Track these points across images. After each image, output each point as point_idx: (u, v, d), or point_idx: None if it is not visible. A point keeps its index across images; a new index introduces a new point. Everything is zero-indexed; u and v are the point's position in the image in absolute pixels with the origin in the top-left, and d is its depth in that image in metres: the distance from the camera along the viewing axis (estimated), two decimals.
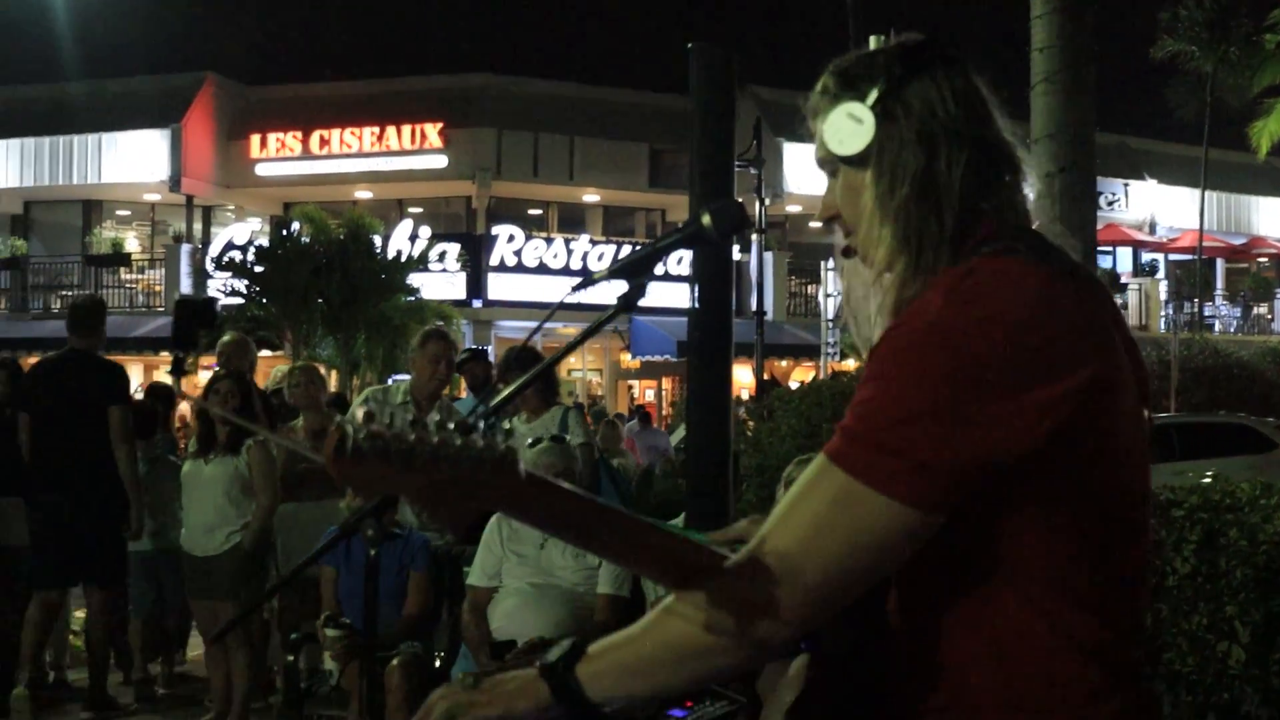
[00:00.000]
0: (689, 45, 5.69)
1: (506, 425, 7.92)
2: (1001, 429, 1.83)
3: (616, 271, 2.45)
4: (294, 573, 7.02)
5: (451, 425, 1.68)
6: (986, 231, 2.01)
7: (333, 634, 6.52)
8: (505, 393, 2.59)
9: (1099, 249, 38.35)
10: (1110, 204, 40.54)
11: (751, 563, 1.93)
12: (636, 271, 2.44)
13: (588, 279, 2.50)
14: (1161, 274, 43.35)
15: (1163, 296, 42.05)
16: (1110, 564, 1.96)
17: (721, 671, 2.04)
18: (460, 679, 2.29)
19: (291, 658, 7.19)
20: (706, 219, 2.39)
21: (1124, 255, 43.28)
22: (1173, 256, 43.81)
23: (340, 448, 1.61)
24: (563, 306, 2.42)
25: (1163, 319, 40.64)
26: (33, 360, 27.09)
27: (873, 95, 2.06)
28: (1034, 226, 2.10)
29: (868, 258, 2.11)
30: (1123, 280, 41.44)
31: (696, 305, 5.65)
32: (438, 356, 8.06)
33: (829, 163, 2.15)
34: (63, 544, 8.61)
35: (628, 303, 2.43)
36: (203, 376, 21.10)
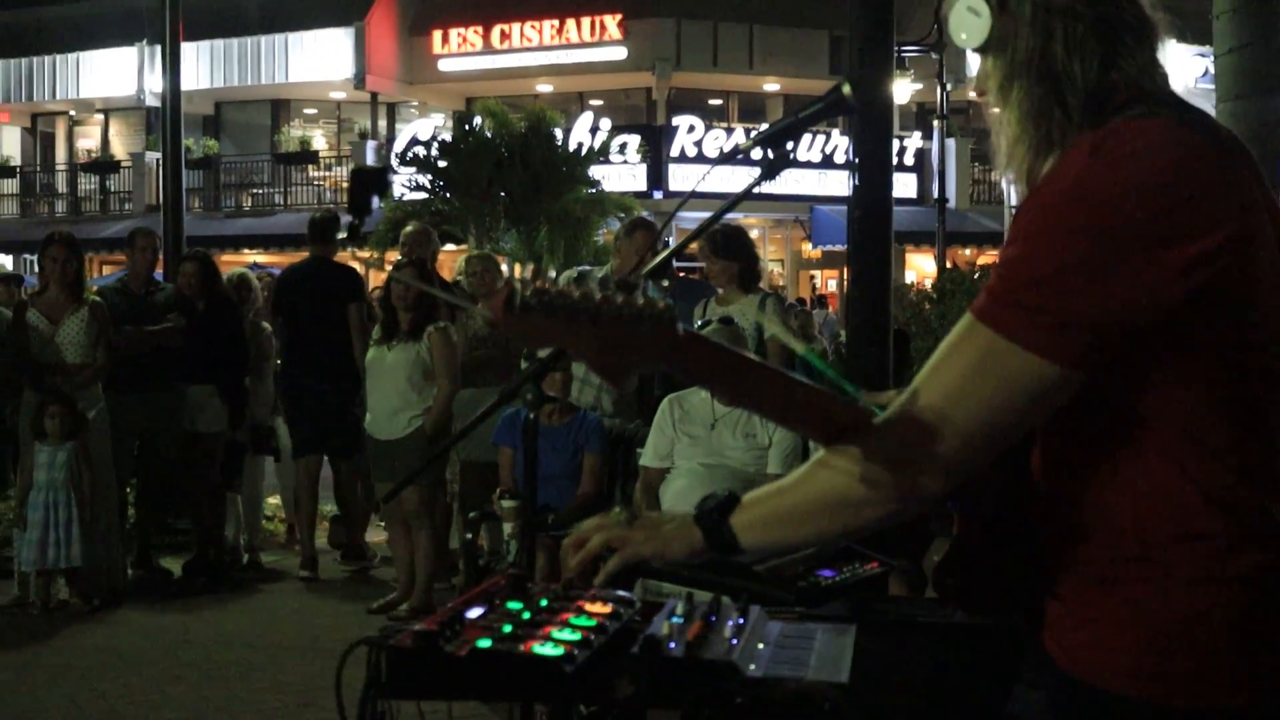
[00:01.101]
0: None
1: (701, 308, 7.98)
2: (1143, 286, 1.87)
3: (761, 142, 2.51)
4: (460, 436, 7.25)
5: (613, 287, 1.78)
6: (1125, 97, 2.02)
7: (508, 504, 6.71)
8: (655, 262, 2.68)
9: None
10: None
11: (901, 417, 2.00)
12: (780, 141, 2.49)
13: (734, 151, 2.56)
14: None
15: None
16: (1251, 421, 1.97)
17: (870, 523, 2.11)
18: (616, 513, 2.41)
19: (470, 535, 7.40)
20: (847, 88, 2.43)
21: None
22: None
23: (510, 303, 1.75)
24: (766, 177, 2.49)
25: None
26: (225, 257, 27.72)
27: None
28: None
29: (997, 141, 2.17)
30: None
31: (856, 185, 5.67)
32: (644, 246, 8.06)
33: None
34: (315, 420, 9.59)
35: (771, 172, 2.48)
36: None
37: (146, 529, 9.77)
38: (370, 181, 2.98)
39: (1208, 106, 8.10)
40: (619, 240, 8.41)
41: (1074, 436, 2.04)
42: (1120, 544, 1.99)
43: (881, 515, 2.07)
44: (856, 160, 5.93)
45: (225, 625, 8.39)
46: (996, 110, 2.17)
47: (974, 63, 2.23)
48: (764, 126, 2.56)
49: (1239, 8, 8.46)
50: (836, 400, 2.09)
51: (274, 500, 11.36)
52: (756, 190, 2.55)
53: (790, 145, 2.49)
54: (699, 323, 7.08)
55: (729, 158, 3.01)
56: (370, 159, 35.29)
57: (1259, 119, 8.61)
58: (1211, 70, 8.98)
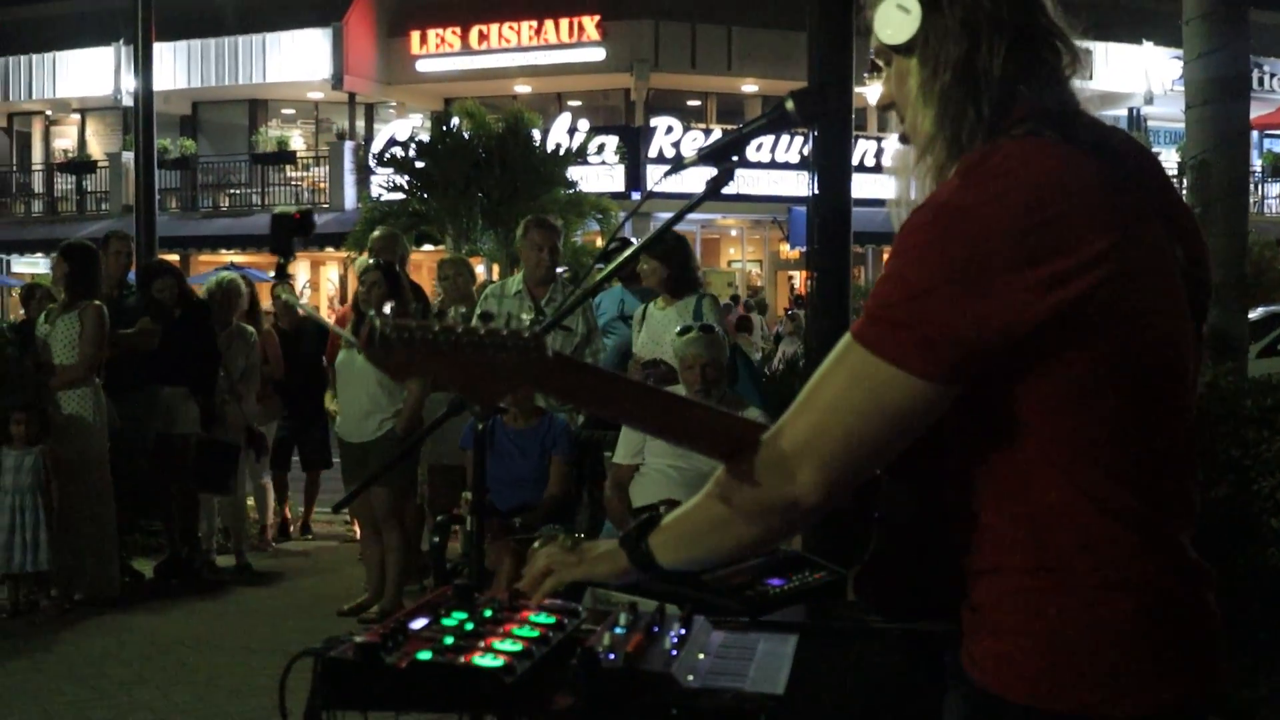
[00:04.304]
0: None
1: (640, 311, 8.06)
2: (1009, 302, 1.91)
3: (705, 157, 2.53)
4: (411, 447, 7.31)
5: (476, 316, 1.84)
6: (1021, 114, 2.07)
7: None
8: (610, 268, 2.71)
9: (1271, 133, 37.18)
10: None
11: (780, 435, 2.06)
12: (723, 156, 2.52)
13: (677, 164, 2.58)
14: None
15: None
16: (1143, 435, 2.01)
17: (759, 538, 2.18)
18: (561, 540, 2.46)
19: (437, 539, 7.43)
20: (790, 104, 2.46)
21: None
22: None
23: (370, 338, 1.82)
24: (708, 196, 2.51)
25: None
26: (202, 257, 27.75)
27: None
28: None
29: (912, 141, 2.20)
30: None
31: (816, 192, 5.72)
32: (540, 244, 8.34)
33: (883, 53, 2.22)
34: None
35: (715, 188, 2.51)
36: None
37: (119, 531, 9.75)
38: (288, 227, 3.03)
39: (1179, 108, 8.12)
40: (519, 242, 8.56)
41: (974, 451, 2.08)
42: (1023, 554, 2.03)
43: (767, 529, 2.13)
44: (815, 165, 5.99)
45: (195, 628, 8.38)
46: (906, 116, 2.21)
47: None
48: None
49: (1207, 14, 8.53)
50: (729, 418, 2.16)
51: (248, 502, 11.36)
52: (735, 191, 2.58)
53: (735, 159, 2.51)
54: (677, 329, 7.01)
55: (673, 170, 3.04)
56: (348, 159, 35.28)
57: (1227, 124, 8.68)
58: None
